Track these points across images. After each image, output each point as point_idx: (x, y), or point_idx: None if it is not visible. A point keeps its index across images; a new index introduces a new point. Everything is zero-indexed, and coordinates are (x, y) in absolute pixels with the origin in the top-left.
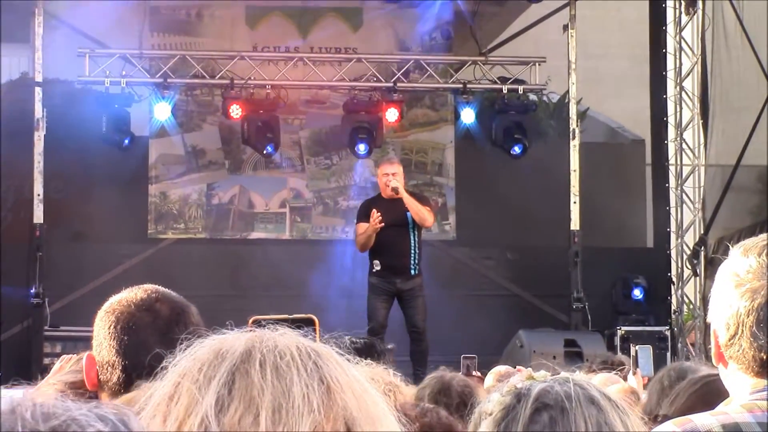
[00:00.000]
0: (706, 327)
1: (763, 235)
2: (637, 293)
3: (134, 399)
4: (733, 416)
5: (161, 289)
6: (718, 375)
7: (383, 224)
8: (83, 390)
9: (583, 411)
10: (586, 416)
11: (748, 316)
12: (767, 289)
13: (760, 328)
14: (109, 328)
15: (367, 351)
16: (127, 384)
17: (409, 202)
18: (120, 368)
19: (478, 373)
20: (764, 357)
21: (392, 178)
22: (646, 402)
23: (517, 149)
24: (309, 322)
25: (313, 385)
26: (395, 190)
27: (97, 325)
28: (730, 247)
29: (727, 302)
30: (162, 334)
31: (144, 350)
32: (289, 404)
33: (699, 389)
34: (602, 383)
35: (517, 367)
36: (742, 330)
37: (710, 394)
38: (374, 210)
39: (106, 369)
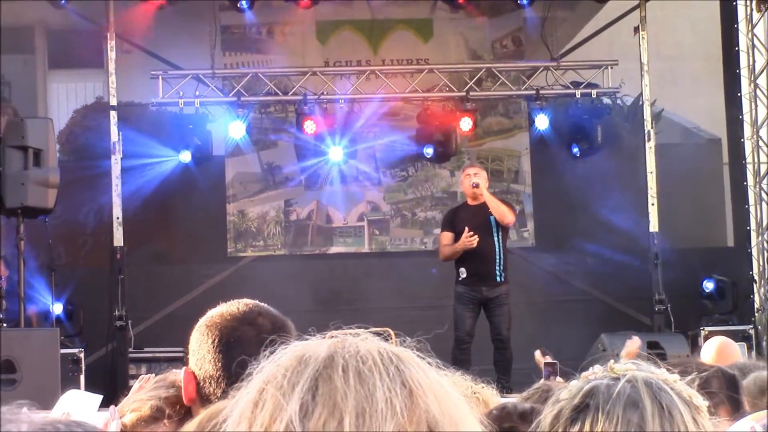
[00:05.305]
0: None
1: None
2: (711, 285)
3: (217, 410)
4: None
5: (260, 303)
6: None
7: (474, 246)
8: (178, 405)
9: (618, 414)
10: (618, 421)
11: None
12: None
13: None
14: (213, 342)
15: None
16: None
17: (489, 199)
18: (226, 382)
19: (561, 379)
20: None
21: (474, 177)
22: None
23: (575, 150)
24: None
25: (396, 389)
26: (476, 185)
27: (196, 339)
28: None
29: None
30: (266, 348)
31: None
32: (372, 408)
33: None
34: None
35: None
36: None
37: None
38: (467, 228)
39: (210, 383)
